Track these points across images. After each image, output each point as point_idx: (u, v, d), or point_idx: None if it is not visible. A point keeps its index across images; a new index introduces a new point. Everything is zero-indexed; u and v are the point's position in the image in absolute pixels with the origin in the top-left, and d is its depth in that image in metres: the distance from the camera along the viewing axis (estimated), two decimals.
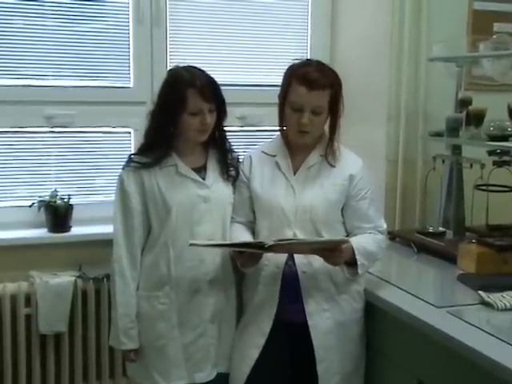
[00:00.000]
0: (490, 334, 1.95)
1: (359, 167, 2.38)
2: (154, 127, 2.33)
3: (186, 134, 2.31)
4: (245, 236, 2.35)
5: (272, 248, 2.13)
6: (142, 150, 2.35)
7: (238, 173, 2.42)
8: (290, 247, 2.20)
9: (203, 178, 2.35)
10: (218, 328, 2.35)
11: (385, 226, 2.43)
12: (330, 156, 2.35)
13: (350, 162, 2.38)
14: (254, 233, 2.39)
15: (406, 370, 2.22)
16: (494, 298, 2.18)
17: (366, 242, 2.31)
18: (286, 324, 2.30)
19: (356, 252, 2.25)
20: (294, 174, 2.35)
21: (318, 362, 2.27)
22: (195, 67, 2.33)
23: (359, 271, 2.27)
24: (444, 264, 2.72)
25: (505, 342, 1.89)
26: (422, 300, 2.26)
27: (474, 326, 2.01)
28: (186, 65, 2.35)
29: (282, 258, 2.28)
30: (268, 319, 2.29)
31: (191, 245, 2.19)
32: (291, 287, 2.28)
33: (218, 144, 2.41)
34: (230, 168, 2.40)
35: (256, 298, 2.33)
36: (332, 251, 2.17)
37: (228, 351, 2.38)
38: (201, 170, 2.36)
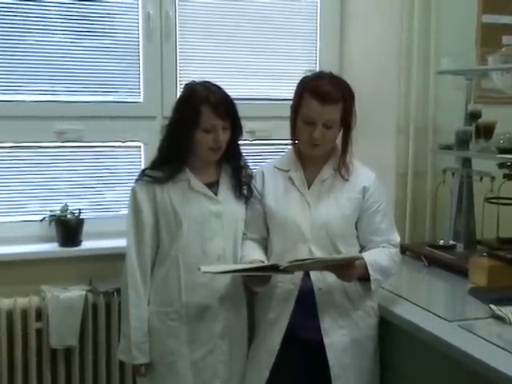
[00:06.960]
0: (501, 347, 1.94)
1: (372, 180, 2.36)
2: (168, 142, 2.33)
3: (199, 151, 2.31)
4: (257, 253, 2.33)
5: (286, 269, 2.12)
6: (156, 165, 2.35)
7: (251, 191, 2.40)
8: (302, 266, 2.17)
9: (215, 194, 2.34)
10: (228, 344, 2.34)
11: (398, 239, 2.41)
12: (343, 169, 2.33)
13: (362, 174, 2.36)
14: (266, 249, 2.38)
15: None
16: (506, 311, 2.16)
17: (379, 256, 2.29)
18: (300, 341, 2.27)
19: (369, 267, 2.23)
20: (308, 188, 2.33)
21: (333, 380, 2.24)
22: (211, 83, 2.32)
23: (372, 286, 2.25)
24: (455, 277, 2.71)
25: None
26: (433, 314, 2.25)
27: (485, 339, 2.00)
28: (202, 80, 2.34)
29: (299, 274, 2.25)
30: (278, 336, 2.27)
31: (204, 272, 2.18)
32: (307, 304, 2.25)
33: (231, 160, 2.40)
34: (243, 186, 2.39)
35: (269, 315, 2.30)
36: (344, 267, 2.16)
37: (241, 367, 2.36)
38: (213, 185, 2.36)
